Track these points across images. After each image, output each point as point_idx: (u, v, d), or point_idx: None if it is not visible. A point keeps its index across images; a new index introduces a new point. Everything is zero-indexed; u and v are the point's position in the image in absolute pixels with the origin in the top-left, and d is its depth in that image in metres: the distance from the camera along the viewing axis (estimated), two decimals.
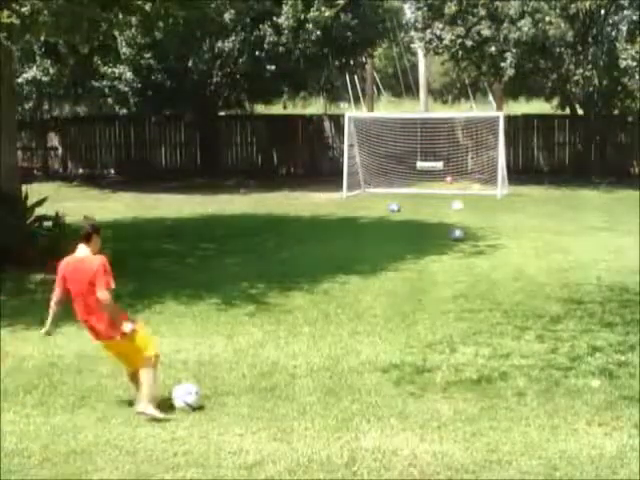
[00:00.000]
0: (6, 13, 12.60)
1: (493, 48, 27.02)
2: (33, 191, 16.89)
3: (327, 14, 26.18)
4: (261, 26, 26.92)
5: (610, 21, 27.40)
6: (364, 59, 32.27)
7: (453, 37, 27.34)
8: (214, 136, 31.36)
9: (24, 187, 15.89)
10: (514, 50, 26.40)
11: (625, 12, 27.31)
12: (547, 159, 30.72)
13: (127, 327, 7.81)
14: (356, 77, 38.26)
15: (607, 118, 28.84)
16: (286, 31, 26.77)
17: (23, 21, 12.94)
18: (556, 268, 14.28)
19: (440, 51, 28.92)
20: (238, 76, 28.34)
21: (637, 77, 26.20)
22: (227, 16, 25.32)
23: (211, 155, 31.34)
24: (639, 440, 7.10)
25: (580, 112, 29.68)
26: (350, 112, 31.84)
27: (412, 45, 37.43)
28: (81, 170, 32.67)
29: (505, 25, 26.40)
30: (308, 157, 31.99)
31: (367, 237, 18.07)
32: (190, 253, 16.34)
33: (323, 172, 30.24)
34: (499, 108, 34.35)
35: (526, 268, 14.27)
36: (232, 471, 6.70)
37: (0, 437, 7.38)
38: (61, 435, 7.43)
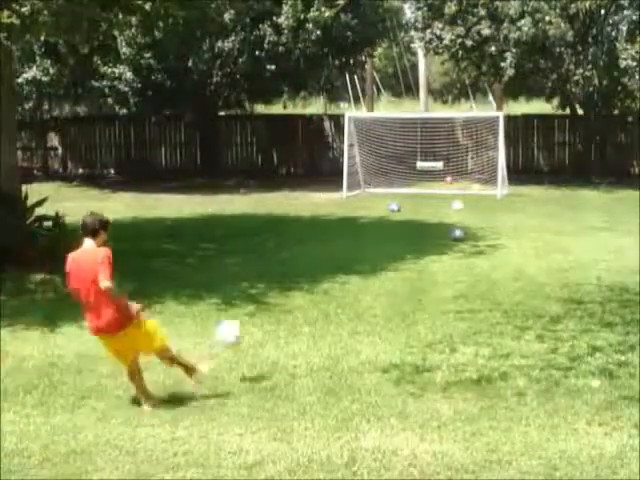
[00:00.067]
0: (6, 13, 12.60)
1: (493, 48, 27.01)
2: (33, 191, 16.89)
3: (327, 14, 26.18)
4: (261, 26, 26.92)
5: (610, 21, 27.38)
6: (364, 59, 32.25)
7: (453, 37, 27.32)
8: (214, 136, 31.36)
9: (24, 187, 15.89)
10: (514, 50, 26.40)
11: (625, 12, 27.29)
12: (547, 159, 30.71)
13: (135, 307, 7.92)
14: (356, 77, 38.26)
15: (607, 118, 28.83)
16: (286, 31, 26.76)
17: (23, 21, 12.93)
18: (556, 268, 14.28)
19: (440, 51, 28.90)
20: (238, 76, 28.34)
21: (637, 77, 26.19)
22: (227, 16, 25.30)
23: (211, 155, 31.34)
24: (639, 440, 7.10)
25: (580, 112, 29.67)
26: (350, 112, 31.83)
27: (412, 45, 37.45)
28: (81, 170, 32.66)
29: (505, 25, 26.39)
30: (308, 157, 31.98)
31: (367, 237, 18.07)
32: (190, 253, 16.35)
33: (323, 172, 30.24)
34: (499, 108, 34.34)
35: (526, 268, 14.28)
36: (232, 471, 6.70)
37: (0, 437, 7.38)
38: (61, 435, 7.43)
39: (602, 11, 26.83)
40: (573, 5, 25.96)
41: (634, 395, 8.12)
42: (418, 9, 29.01)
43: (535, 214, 20.98)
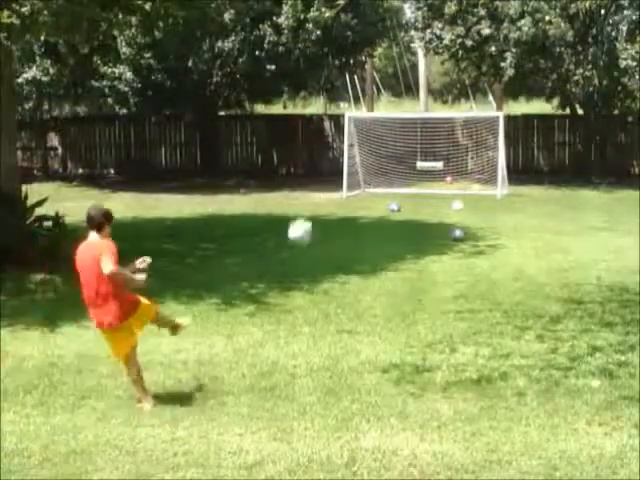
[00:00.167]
0: (6, 13, 12.60)
1: (493, 48, 27.01)
2: (33, 191, 16.89)
3: (327, 14, 26.18)
4: (261, 26, 26.92)
5: (610, 21, 27.36)
6: (364, 59, 32.26)
7: (453, 37, 27.32)
8: (214, 136, 31.36)
9: (24, 187, 15.89)
10: (514, 50, 26.40)
11: (625, 12, 27.28)
12: (547, 159, 30.72)
13: (141, 277, 7.96)
14: (356, 77, 38.25)
15: (607, 118, 28.83)
16: (286, 31, 26.77)
17: (23, 21, 12.93)
18: (556, 268, 14.28)
19: (440, 51, 28.89)
20: (238, 76, 28.34)
21: (637, 77, 26.19)
22: (227, 16, 25.31)
23: (211, 155, 31.34)
24: (639, 440, 7.10)
25: (580, 112, 29.67)
26: (350, 112, 31.83)
27: (412, 45, 37.45)
28: (81, 170, 32.67)
29: (505, 25, 26.39)
30: (308, 157, 31.98)
31: (367, 237, 18.07)
32: (190, 253, 16.35)
33: (323, 172, 30.24)
34: (499, 108, 34.35)
35: (526, 268, 14.28)
36: (232, 471, 6.70)
37: (0, 437, 7.38)
38: (61, 435, 7.43)
39: (602, 11, 26.82)
40: (573, 5, 25.96)
41: (634, 395, 8.12)
42: (418, 9, 29.00)
43: (535, 214, 20.99)
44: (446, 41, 27.59)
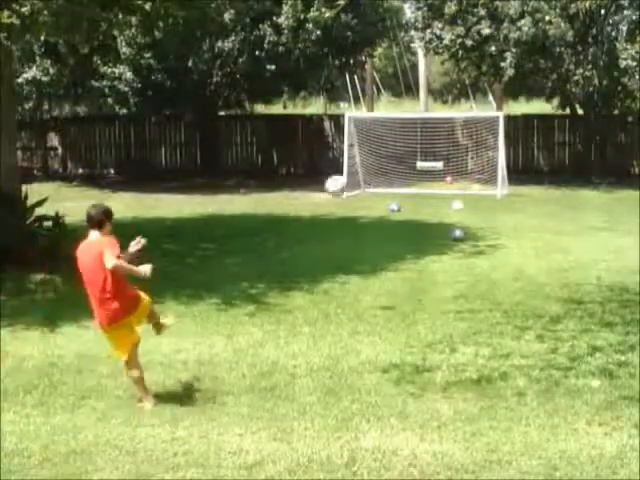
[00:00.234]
0: (6, 13, 12.60)
1: (493, 48, 27.01)
2: (33, 191, 16.89)
3: (327, 15, 26.18)
4: (261, 26, 26.91)
5: (610, 21, 27.35)
6: (364, 59, 32.25)
7: (453, 37, 27.31)
8: (214, 136, 31.36)
9: (24, 187, 15.89)
10: (514, 50, 26.39)
11: (625, 12, 27.27)
12: (547, 159, 30.71)
13: (147, 269, 7.94)
14: (356, 77, 38.25)
15: (607, 118, 28.83)
16: (286, 31, 26.76)
17: (23, 21, 12.93)
18: (556, 268, 14.28)
19: (440, 51, 28.88)
20: (238, 76, 28.33)
21: (637, 77, 26.18)
22: (227, 16, 25.31)
23: (211, 155, 31.34)
24: (639, 440, 7.10)
25: (580, 112, 29.67)
26: (350, 112, 31.83)
27: (412, 45, 37.44)
28: (81, 170, 32.66)
29: (505, 25, 26.38)
30: (308, 157, 31.97)
31: (367, 237, 18.07)
32: (190, 253, 16.35)
33: (323, 172, 30.22)
34: (499, 108, 34.34)
35: (526, 268, 14.28)
36: (232, 471, 6.71)
37: (0, 437, 7.38)
38: (61, 435, 7.43)
39: (602, 11, 26.81)
40: (573, 5, 25.95)
41: (634, 395, 8.12)
42: (418, 9, 29.00)
43: (535, 214, 20.98)
44: (446, 41, 27.59)
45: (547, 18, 25.73)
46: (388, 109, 42.27)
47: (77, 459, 6.96)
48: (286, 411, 7.89)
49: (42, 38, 19.48)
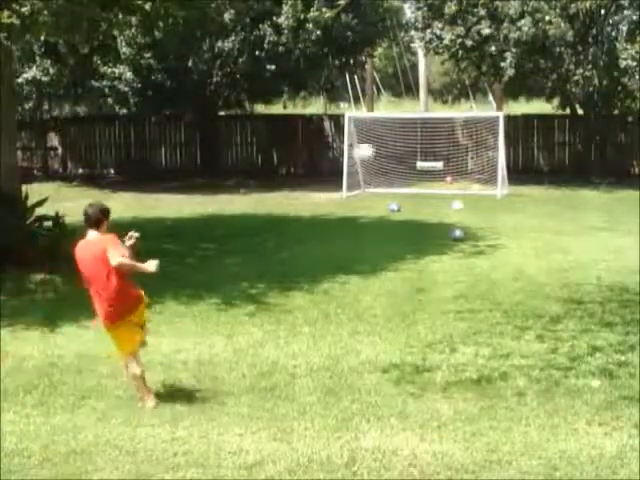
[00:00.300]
0: (6, 13, 12.60)
1: (493, 48, 27.01)
2: (33, 191, 16.89)
3: (327, 15, 26.18)
4: (261, 26, 26.91)
5: (610, 21, 27.36)
6: (364, 59, 32.25)
7: (453, 37, 27.31)
8: (214, 136, 31.36)
9: (24, 187, 15.89)
10: (514, 50, 26.39)
11: (625, 12, 27.27)
12: (547, 159, 30.71)
13: (153, 264, 7.94)
14: (356, 77, 38.26)
15: (607, 118, 28.83)
16: (286, 31, 26.76)
17: (23, 21, 12.93)
18: (556, 268, 14.28)
19: (440, 51, 28.88)
20: (238, 76, 28.33)
21: (637, 77, 26.18)
22: (227, 16, 25.31)
23: (211, 155, 31.34)
24: (639, 440, 7.10)
25: (580, 112, 29.67)
26: (350, 112, 31.84)
27: (412, 45, 37.44)
28: (81, 170, 32.66)
29: (505, 25, 26.38)
30: (308, 157, 31.98)
31: (367, 237, 18.07)
32: (190, 253, 16.35)
33: (323, 172, 30.23)
34: (499, 108, 34.35)
35: (526, 268, 14.27)
36: (232, 471, 6.71)
37: (0, 437, 7.38)
38: (61, 435, 7.43)
39: (602, 11, 26.82)
40: (573, 5, 25.95)
41: (634, 395, 8.12)
42: (418, 9, 29.00)
43: (535, 214, 20.98)
44: (446, 41, 27.59)
45: (547, 18, 25.73)
46: (388, 109, 42.28)
47: (77, 459, 6.96)
48: (286, 411, 7.90)
49: (42, 38, 19.49)
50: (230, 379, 8.83)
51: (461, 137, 29.53)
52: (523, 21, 25.92)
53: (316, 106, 42.26)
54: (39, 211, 15.93)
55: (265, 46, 27.01)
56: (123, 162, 32.31)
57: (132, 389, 8.27)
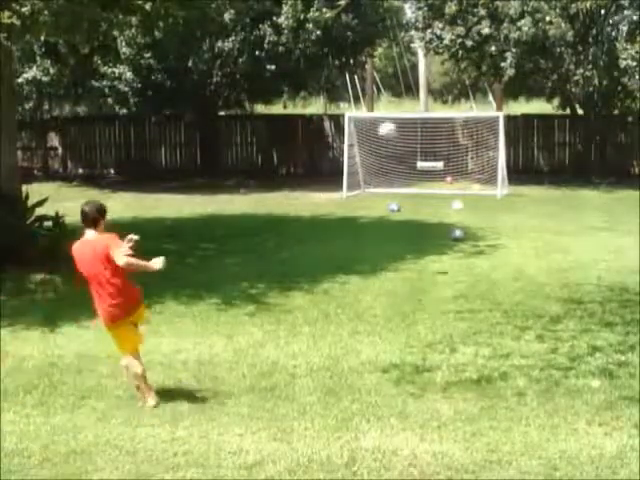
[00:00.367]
0: (6, 13, 12.60)
1: (493, 48, 27.00)
2: (33, 191, 16.89)
3: (327, 15, 26.18)
4: (261, 26, 26.91)
5: (610, 21, 27.36)
6: (364, 59, 32.24)
7: (453, 37, 27.30)
8: (214, 136, 31.35)
9: (24, 187, 15.90)
10: (514, 50, 26.38)
11: (625, 12, 27.27)
12: (547, 159, 30.70)
13: (159, 262, 7.90)
14: (356, 77, 38.25)
15: (607, 118, 28.82)
16: (286, 31, 26.76)
17: (23, 21, 12.94)
18: (556, 268, 14.28)
19: (440, 51, 28.87)
20: (238, 76, 28.33)
21: (637, 77, 26.18)
22: (227, 16, 25.29)
23: (211, 155, 31.33)
24: (639, 440, 7.10)
25: (580, 112, 29.67)
26: (350, 112, 31.83)
27: (412, 45, 37.43)
28: (81, 170, 32.65)
29: (505, 25, 26.37)
30: (308, 157, 31.97)
31: (367, 237, 18.07)
32: (190, 253, 16.34)
33: (323, 172, 30.23)
34: (499, 108, 34.34)
35: (526, 268, 14.27)
36: (232, 471, 6.71)
37: (0, 437, 7.38)
38: (61, 435, 7.43)
39: (602, 11, 26.82)
40: (573, 5, 25.95)
41: (634, 395, 8.12)
42: (418, 9, 28.99)
43: (535, 214, 20.98)
44: (446, 41, 27.58)
45: (547, 18, 25.72)
46: (388, 109, 42.25)
47: (77, 459, 6.96)
48: (286, 411, 7.90)
49: (42, 38, 19.50)
50: (230, 379, 8.83)
51: (461, 137, 29.53)
52: (523, 21, 25.92)
53: (316, 106, 42.27)
54: (39, 211, 15.93)
55: (265, 46, 27.01)
56: (123, 162, 32.30)
57: (132, 389, 8.27)
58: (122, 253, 7.73)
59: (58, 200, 19.41)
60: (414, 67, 42.31)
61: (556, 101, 30.13)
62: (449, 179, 27.52)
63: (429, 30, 28.15)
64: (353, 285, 13.20)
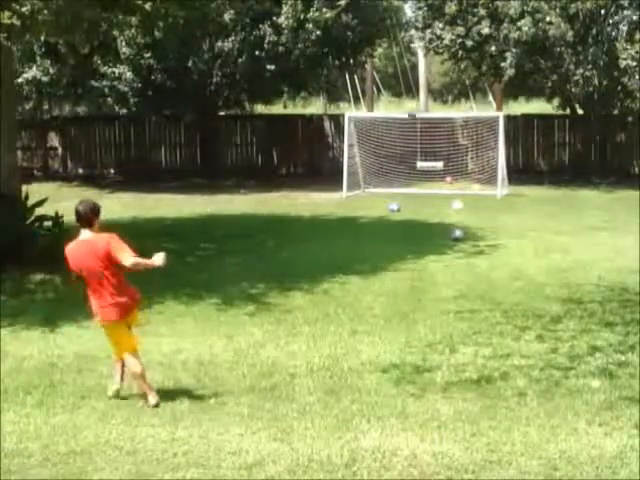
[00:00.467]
0: (6, 13, 12.60)
1: (493, 48, 27.00)
2: (33, 191, 16.89)
3: (327, 15, 26.18)
4: (261, 26, 26.90)
5: (610, 21, 27.35)
6: (364, 59, 32.25)
7: (453, 37, 27.31)
8: (214, 136, 31.34)
9: (24, 187, 15.90)
10: (514, 50, 26.39)
11: (625, 12, 27.24)
12: (547, 159, 30.69)
13: (160, 257, 7.87)
14: (356, 77, 38.28)
15: (607, 118, 28.82)
16: (286, 31, 26.75)
17: (23, 21, 12.94)
18: (556, 268, 14.28)
19: (440, 51, 28.88)
20: (238, 76, 28.31)
21: (637, 77, 26.19)
22: (227, 16, 25.31)
23: (211, 155, 31.32)
24: (639, 440, 7.10)
25: (580, 112, 29.67)
26: (350, 112, 31.83)
27: (412, 45, 37.44)
28: (81, 170, 32.64)
29: (505, 25, 26.37)
30: (308, 157, 31.97)
31: (367, 237, 18.06)
32: (190, 253, 16.34)
33: (323, 172, 30.22)
34: (499, 108, 34.37)
35: (526, 268, 14.27)
36: (232, 471, 6.70)
37: (0, 437, 7.38)
38: (61, 435, 7.43)
39: (602, 11, 26.81)
40: (573, 5, 25.95)
41: (634, 395, 8.12)
42: (418, 9, 28.99)
43: (535, 214, 20.98)
44: (446, 41, 27.58)
45: (547, 18, 25.72)
46: (388, 109, 42.28)
47: (77, 459, 6.96)
48: (286, 411, 7.89)
49: (42, 38, 19.52)
50: (230, 379, 8.83)
51: (461, 137, 29.53)
52: (523, 21, 25.91)
53: (316, 106, 42.28)
54: (39, 211, 15.92)
55: (265, 46, 27.00)
56: (123, 162, 32.29)
57: (132, 389, 8.27)
58: (128, 254, 7.74)
59: (58, 200, 19.39)
60: (414, 67, 42.36)
61: (556, 101, 30.14)
62: (449, 179, 27.52)
63: (429, 30, 28.15)
64: (353, 285, 13.20)
